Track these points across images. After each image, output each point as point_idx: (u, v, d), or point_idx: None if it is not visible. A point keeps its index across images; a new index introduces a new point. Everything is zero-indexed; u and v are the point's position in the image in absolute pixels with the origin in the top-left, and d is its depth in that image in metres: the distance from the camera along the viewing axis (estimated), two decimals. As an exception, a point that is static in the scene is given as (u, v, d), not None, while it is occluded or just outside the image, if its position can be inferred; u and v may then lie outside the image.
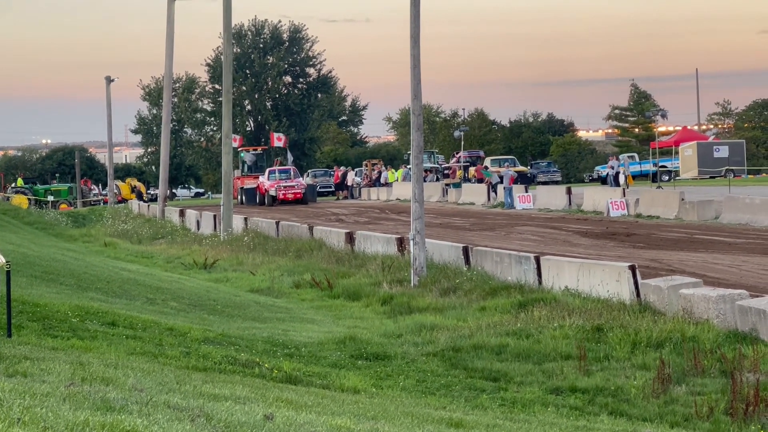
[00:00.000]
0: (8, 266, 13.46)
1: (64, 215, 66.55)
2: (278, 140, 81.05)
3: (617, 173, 63.71)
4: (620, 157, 73.34)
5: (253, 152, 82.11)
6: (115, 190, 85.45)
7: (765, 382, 14.60)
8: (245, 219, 46.95)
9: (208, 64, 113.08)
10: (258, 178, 74.30)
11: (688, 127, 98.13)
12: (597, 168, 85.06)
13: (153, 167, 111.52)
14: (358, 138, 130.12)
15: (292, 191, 70.49)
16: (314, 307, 25.47)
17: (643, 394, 14.85)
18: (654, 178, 70.13)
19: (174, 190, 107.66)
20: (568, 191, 52.98)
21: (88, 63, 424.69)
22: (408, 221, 30.72)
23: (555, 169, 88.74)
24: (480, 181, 70.98)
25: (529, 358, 17.28)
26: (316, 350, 17.39)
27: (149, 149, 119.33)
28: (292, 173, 73.35)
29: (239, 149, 78.46)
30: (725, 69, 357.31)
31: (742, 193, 46.39)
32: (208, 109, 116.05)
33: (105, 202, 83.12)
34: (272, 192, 70.38)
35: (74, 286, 22.63)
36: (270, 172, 72.85)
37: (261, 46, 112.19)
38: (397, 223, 47.95)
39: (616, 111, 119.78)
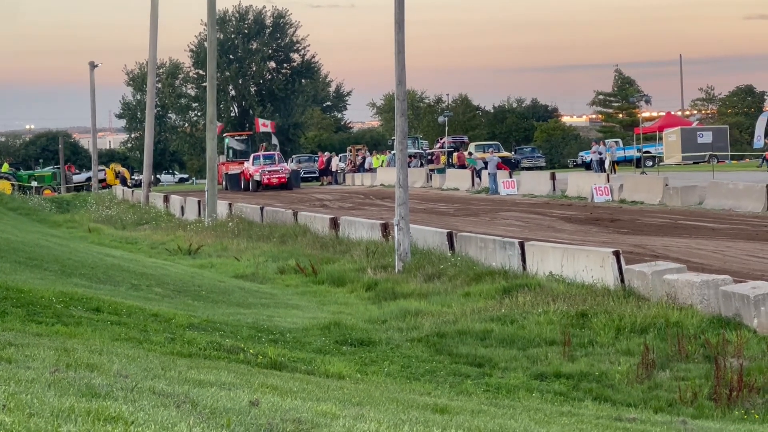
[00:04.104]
0: (-8, 252, 13.42)
1: (48, 201, 66.39)
2: (264, 126, 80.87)
3: (604, 158, 63.77)
4: (606, 142, 73.41)
5: (238, 138, 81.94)
6: (102, 176, 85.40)
7: (748, 367, 14.66)
8: (229, 204, 46.89)
9: (191, 50, 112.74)
10: (243, 163, 74.22)
11: (672, 113, 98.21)
12: (581, 153, 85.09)
13: (137, 152, 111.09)
14: (342, 123, 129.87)
15: (277, 176, 70.42)
16: (299, 293, 25.45)
17: (627, 380, 14.90)
18: (638, 163, 70.25)
19: (158, 176, 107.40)
20: (553, 177, 53.09)
21: (72, 48, 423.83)
22: (392, 207, 30.73)
23: (539, 154, 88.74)
24: (463, 166, 70.97)
25: (514, 343, 17.30)
26: (301, 336, 17.38)
27: (133, 134, 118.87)
28: (276, 158, 73.28)
29: (223, 136, 78.33)
30: (709, 55, 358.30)
31: (725, 178, 46.54)
32: (192, 94, 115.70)
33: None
34: (257, 177, 70.31)
35: (58, 272, 22.58)
36: (254, 158, 72.80)
37: (245, 31, 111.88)
38: (381, 208, 47.95)
39: (600, 96, 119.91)
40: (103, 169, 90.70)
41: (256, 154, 74.49)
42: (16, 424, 6.00)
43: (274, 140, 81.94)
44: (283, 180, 70.51)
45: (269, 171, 70.58)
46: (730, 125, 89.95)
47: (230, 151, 79.11)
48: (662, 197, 42.41)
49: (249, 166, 71.91)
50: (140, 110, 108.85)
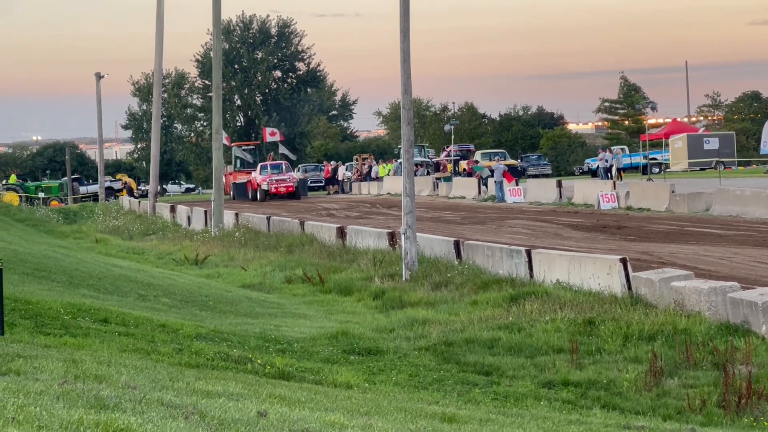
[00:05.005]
0: (0, 264, 13.43)
1: (55, 212, 66.50)
2: (272, 134, 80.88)
3: (611, 165, 63.71)
4: (613, 149, 73.35)
5: (245, 147, 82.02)
6: (121, 185, 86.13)
7: (757, 374, 14.63)
8: (236, 214, 46.91)
9: (197, 60, 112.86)
10: (251, 173, 74.25)
11: (678, 120, 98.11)
12: (587, 161, 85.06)
13: (143, 163, 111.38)
14: (348, 132, 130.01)
15: (285, 185, 70.44)
16: (306, 303, 25.45)
17: (636, 387, 14.88)
18: (644, 170, 70.17)
19: (164, 186, 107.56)
20: (559, 184, 53.01)
21: (78, 59, 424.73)
22: (399, 215, 30.72)
23: (545, 162, 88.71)
24: (469, 174, 70.97)
25: (521, 351, 17.29)
26: (309, 345, 17.38)
27: (139, 145, 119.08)
28: (283, 167, 73.34)
29: (230, 145, 78.39)
30: (715, 61, 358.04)
31: (732, 184, 46.48)
32: (198, 104, 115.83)
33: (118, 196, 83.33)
34: (264, 186, 70.32)
35: (66, 283, 22.60)
36: (262, 167, 72.83)
37: (250, 41, 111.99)
38: (387, 217, 47.94)
39: (606, 104, 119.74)
40: (120, 179, 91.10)
41: (264, 163, 74.53)
42: (25, 436, 6.01)
43: (282, 149, 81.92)
44: (291, 189, 70.55)
45: (277, 180, 70.60)
46: (736, 131, 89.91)
47: (238, 161, 79.17)
48: (669, 204, 42.34)
49: (256, 175, 71.93)
50: (146, 121, 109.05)
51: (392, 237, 31.23)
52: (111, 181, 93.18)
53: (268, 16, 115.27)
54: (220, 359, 14.36)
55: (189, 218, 52.22)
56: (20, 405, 6.95)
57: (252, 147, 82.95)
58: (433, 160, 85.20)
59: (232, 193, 73.23)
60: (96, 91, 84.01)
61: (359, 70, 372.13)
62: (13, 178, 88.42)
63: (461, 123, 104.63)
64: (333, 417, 8.51)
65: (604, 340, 17.52)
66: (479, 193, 59.98)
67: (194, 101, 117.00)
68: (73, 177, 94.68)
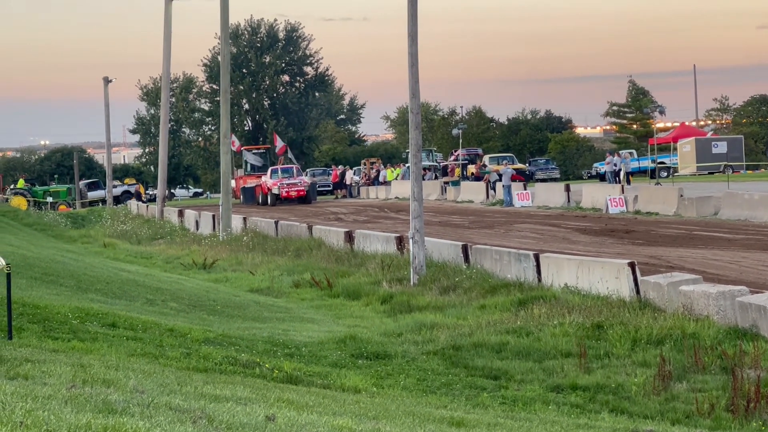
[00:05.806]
0: (8, 269, 13.45)
1: (63, 216, 66.58)
2: (276, 144, 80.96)
3: (619, 170, 63.66)
4: (621, 153, 73.29)
5: (256, 151, 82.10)
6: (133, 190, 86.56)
7: (766, 378, 14.58)
8: (244, 219, 46.95)
9: (205, 64, 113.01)
10: (260, 177, 74.39)
11: (686, 123, 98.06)
12: (595, 165, 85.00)
13: (151, 167, 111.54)
14: (356, 136, 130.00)
15: (295, 189, 70.54)
16: (314, 307, 25.45)
17: (644, 392, 14.85)
18: (652, 174, 70.10)
19: (172, 190, 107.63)
20: (567, 188, 52.96)
21: (86, 64, 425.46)
22: (407, 220, 30.73)
23: (553, 166, 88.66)
24: (478, 178, 70.94)
25: (530, 356, 17.26)
26: (317, 350, 17.37)
27: (147, 149, 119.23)
28: (294, 171, 73.42)
29: (238, 150, 78.50)
30: (723, 65, 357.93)
31: (741, 188, 46.40)
32: (206, 108, 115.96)
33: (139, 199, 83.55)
34: (275, 190, 70.39)
35: (74, 288, 22.61)
36: (272, 171, 72.94)
37: (258, 45, 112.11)
38: (396, 221, 47.93)
39: (614, 107, 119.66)
40: (134, 183, 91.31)
41: (274, 167, 74.64)
42: (33, 441, 6.01)
43: (290, 154, 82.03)
44: (302, 193, 70.66)
45: (288, 184, 70.70)
46: (744, 135, 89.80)
47: (248, 165, 79.31)
48: (677, 208, 42.28)
49: (267, 179, 72.00)
50: (154, 125, 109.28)
51: (400, 241, 31.23)
52: (128, 185, 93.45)
53: (275, 20, 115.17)
54: (228, 363, 14.35)
55: (197, 222, 52.27)
56: (28, 409, 6.95)
57: (263, 151, 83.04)
58: (441, 164, 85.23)
59: (240, 197, 73.42)
60: (104, 96, 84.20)
61: (367, 74, 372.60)
62: (21, 183, 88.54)
63: (469, 127, 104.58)
64: (341, 421, 8.51)
65: (613, 344, 17.49)
66: (487, 197, 59.97)
67: (202, 105, 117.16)
68: (90, 181, 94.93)
